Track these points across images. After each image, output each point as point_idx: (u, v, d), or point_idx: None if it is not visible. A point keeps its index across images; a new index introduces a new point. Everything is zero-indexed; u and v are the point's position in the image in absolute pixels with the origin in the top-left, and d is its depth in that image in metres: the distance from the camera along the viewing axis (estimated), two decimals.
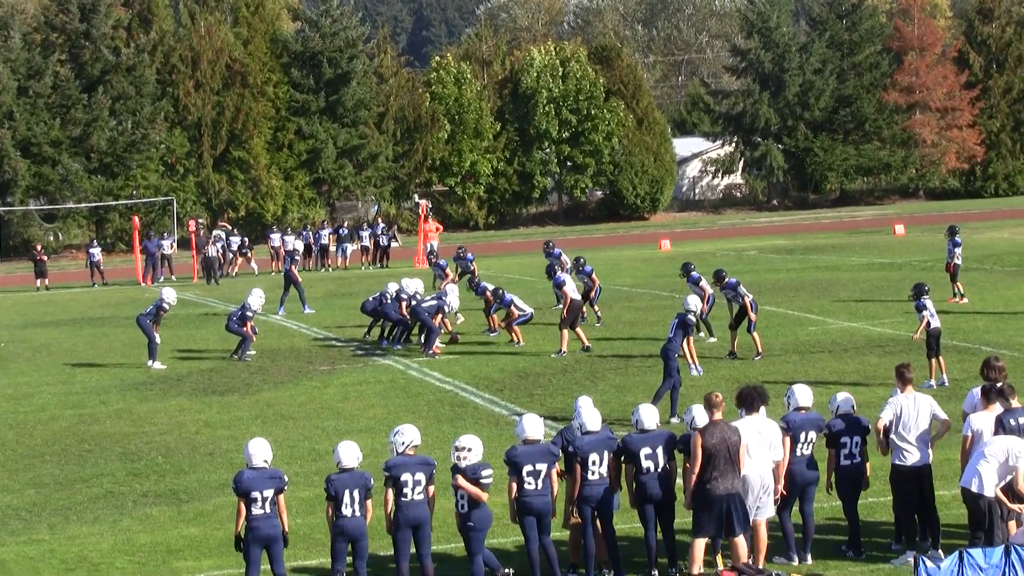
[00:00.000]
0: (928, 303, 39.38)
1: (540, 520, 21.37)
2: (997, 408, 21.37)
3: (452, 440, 22.30)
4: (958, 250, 52.89)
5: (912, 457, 22.03)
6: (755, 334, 42.27)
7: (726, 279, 43.88)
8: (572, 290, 46.02)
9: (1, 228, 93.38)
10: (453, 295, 46.80)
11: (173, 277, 78.26)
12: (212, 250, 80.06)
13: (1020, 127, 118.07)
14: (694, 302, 38.64)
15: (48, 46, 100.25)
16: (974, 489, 20.34)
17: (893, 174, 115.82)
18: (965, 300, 51.87)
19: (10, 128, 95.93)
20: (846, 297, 55.39)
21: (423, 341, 45.96)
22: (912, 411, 22.04)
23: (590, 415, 21.90)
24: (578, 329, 45.20)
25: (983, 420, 21.12)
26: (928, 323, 38.34)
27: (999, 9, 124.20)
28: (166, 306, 46.68)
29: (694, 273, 47.34)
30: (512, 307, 46.99)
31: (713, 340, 45.52)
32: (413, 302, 46.73)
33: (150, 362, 45.44)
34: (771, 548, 22.08)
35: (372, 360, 44.36)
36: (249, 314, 45.87)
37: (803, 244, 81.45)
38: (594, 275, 52.01)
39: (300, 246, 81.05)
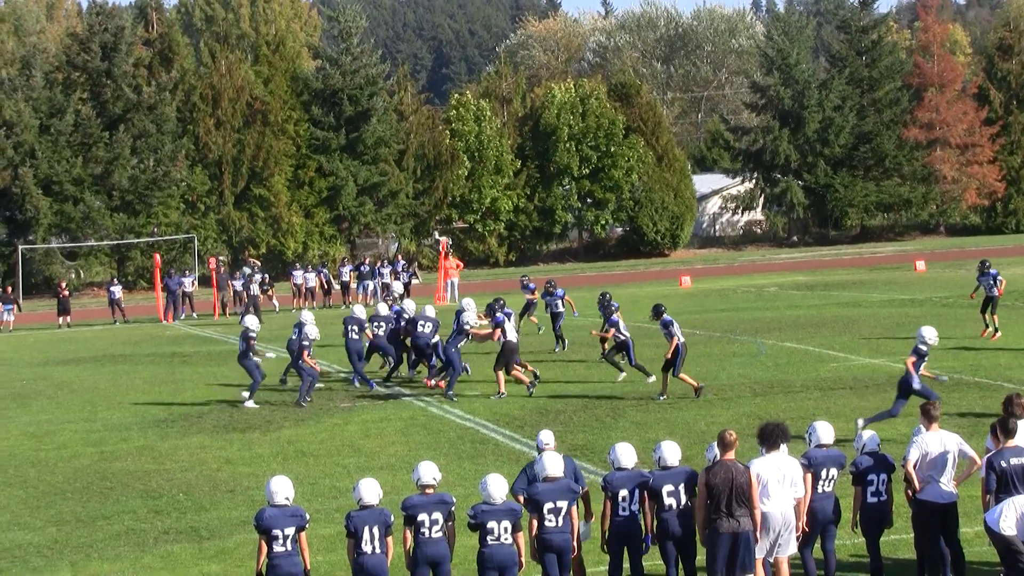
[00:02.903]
0: None
1: (560, 557, 21.42)
2: (1004, 442, 21.36)
3: (475, 477, 22.24)
4: (998, 280, 52.62)
5: (938, 494, 22.01)
6: (668, 374, 42.03)
7: (663, 315, 43.61)
8: (509, 331, 45.94)
9: (24, 266, 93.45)
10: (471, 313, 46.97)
11: (195, 315, 78.29)
12: (238, 285, 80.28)
13: None
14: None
15: (70, 85, 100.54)
16: (996, 529, 20.39)
17: (913, 210, 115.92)
18: (999, 335, 51.49)
19: (32, 166, 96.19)
20: (867, 334, 55.28)
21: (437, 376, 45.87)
22: (938, 448, 22.02)
23: (627, 454, 22.20)
24: (515, 371, 44.91)
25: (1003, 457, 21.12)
26: None
27: (1019, 45, 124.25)
28: (252, 335, 46.15)
29: (666, 316, 46.92)
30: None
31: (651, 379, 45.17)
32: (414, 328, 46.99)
33: (246, 397, 44.83)
34: None
35: (393, 398, 44.30)
36: (306, 343, 45.87)
37: (823, 280, 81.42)
38: (567, 297, 53.39)
39: (315, 283, 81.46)
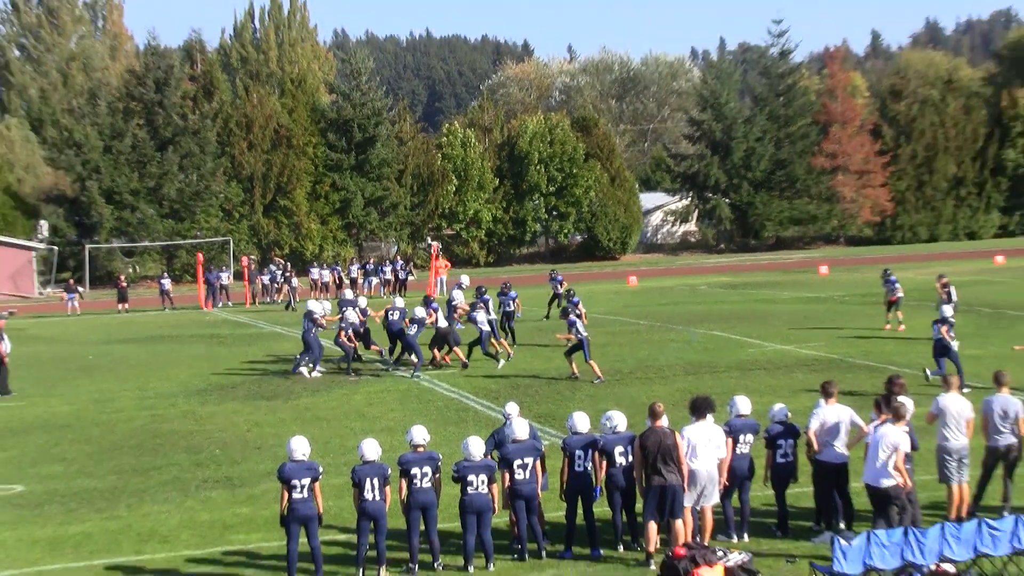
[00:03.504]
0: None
1: (528, 503, 21.83)
2: (897, 421, 21.70)
3: (458, 439, 22.43)
4: (898, 285, 52.81)
5: (833, 456, 22.35)
6: (592, 363, 42.24)
7: (569, 315, 43.94)
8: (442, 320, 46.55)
9: (90, 262, 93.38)
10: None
11: (230, 303, 78.30)
12: (266, 279, 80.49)
13: (922, 187, 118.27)
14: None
15: (128, 112, 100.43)
16: (874, 479, 20.93)
17: (819, 224, 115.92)
18: (903, 328, 51.44)
19: (97, 180, 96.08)
20: (779, 325, 55.40)
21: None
22: (834, 419, 22.39)
23: (582, 421, 22.82)
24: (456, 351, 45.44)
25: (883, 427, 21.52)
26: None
27: (907, 91, 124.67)
28: (316, 315, 46.00)
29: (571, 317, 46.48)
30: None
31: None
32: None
33: (307, 370, 45.00)
34: (715, 527, 22.35)
35: (392, 373, 44.43)
36: (344, 324, 45.94)
37: (744, 281, 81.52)
38: (517, 300, 52.72)
39: (329, 278, 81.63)
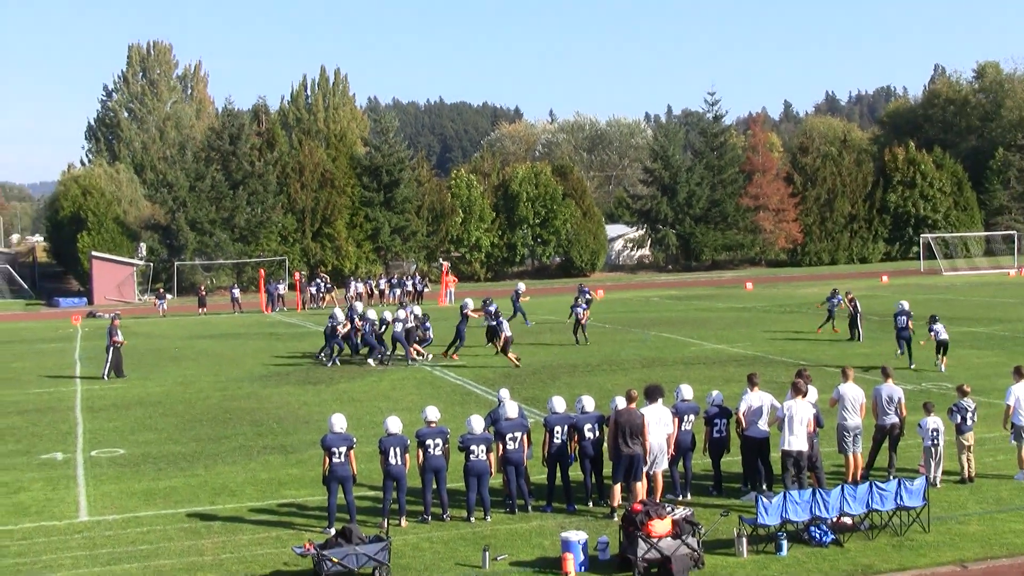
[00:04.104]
0: (937, 326, 40.35)
1: (517, 468, 21.90)
2: (802, 398, 22.16)
3: (462, 417, 22.40)
4: (838, 298, 52.15)
5: (757, 432, 22.25)
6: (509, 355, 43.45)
7: (495, 315, 45.89)
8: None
9: (177, 276, 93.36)
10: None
11: (285, 308, 78.23)
12: (313, 290, 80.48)
13: (824, 222, 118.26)
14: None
15: (209, 160, 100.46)
16: (786, 448, 21.15)
17: (745, 250, 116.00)
18: (838, 331, 51.01)
19: (184, 212, 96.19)
20: (715, 328, 55.31)
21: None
22: (758, 403, 22.39)
23: (559, 403, 22.87)
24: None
25: (791, 405, 21.77)
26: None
27: (812, 147, 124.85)
28: (338, 320, 46.16)
29: (491, 307, 47.80)
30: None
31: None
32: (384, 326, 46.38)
33: (371, 361, 44.80)
34: (664, 488, 22.21)
35: (410, 365, 44.24)
36: (355, 328, 45.76)
37: (687, 294, 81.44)
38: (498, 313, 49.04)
39: (363, 289, 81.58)
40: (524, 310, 60.34)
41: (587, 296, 58.93)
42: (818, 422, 22.49)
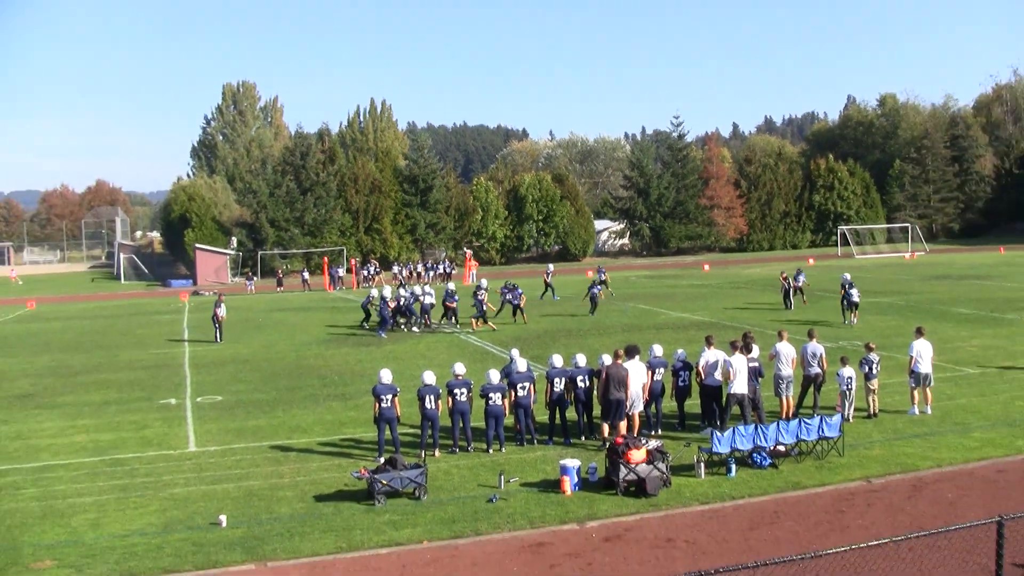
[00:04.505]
0: (852, 290, 42.26)
1: (526, 411, 22.09)
2: (742, 354, 22.42)
3: (483, 371, 22.49)
4: (802, 277, 50.91)
5: (712, 382, 22.29)
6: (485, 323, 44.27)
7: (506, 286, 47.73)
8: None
9: (260, 262, 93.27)
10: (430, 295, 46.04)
11: (344, 287, 77.99)
12: (366, 272, 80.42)
13: (765, 218, 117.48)
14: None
15: (284, 171, 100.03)
16: (734, 391, 21.19)
17: (703, 239, 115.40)
18: (806, 303, 50.13)
19: (265, 213, 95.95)
20: (680, 301, 55.19)
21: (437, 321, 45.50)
22: (714, 358, 22.45)
23: (558, 360, 23.10)
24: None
25: (738, 360, 21.74)
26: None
27: (754, 159, 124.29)
28: (374, 295, 46.78)
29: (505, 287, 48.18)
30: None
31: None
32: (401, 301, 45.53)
33: (380, 333, 43.43)
34: (640, 425, 22.26)
35: (441, 331, 44.20)
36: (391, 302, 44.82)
37: (658, 274, 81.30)
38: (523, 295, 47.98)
39: (405, 272, 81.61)
40: (554, 287, 60.11)
41: (602, 277, 58.54)
42: (759, 372, 22.65)
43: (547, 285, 59.52)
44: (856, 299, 42.22)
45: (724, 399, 22.70)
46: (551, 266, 65.12)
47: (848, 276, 45.12)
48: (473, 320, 45.17)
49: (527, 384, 22.16)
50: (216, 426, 25.35)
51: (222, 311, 44.18)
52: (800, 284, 50.82)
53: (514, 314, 46.84)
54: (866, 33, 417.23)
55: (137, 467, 21.39)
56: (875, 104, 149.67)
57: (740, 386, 22.16)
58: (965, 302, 48.83)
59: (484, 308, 45.04)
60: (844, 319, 42.45)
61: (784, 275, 50.93)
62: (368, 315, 46.87)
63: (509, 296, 47.02)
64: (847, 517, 16.61)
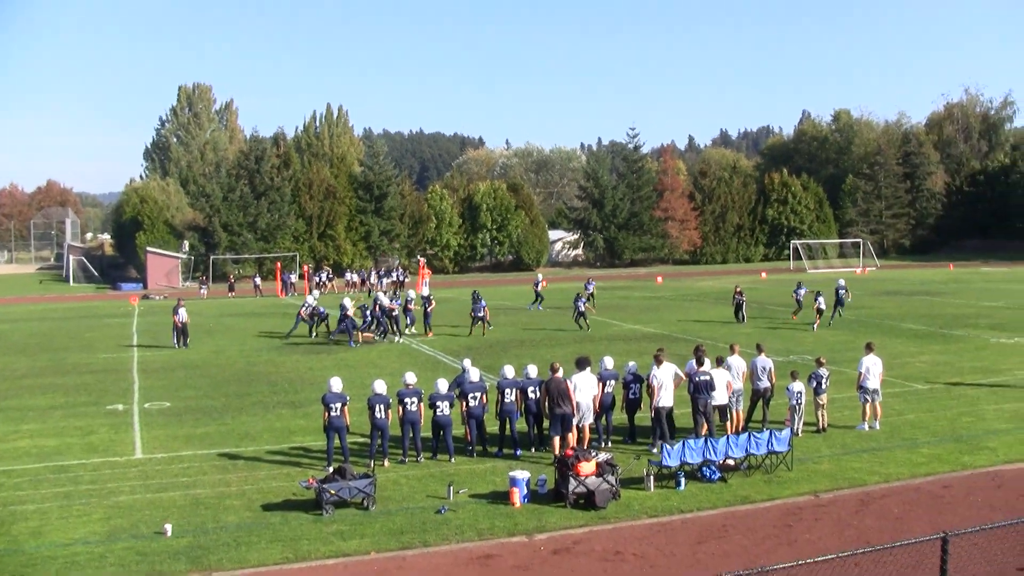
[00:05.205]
0: (820, 298, 46.72)
1: (478, 421, 22.35)
2: (696, 366, 22.57)
3: (432, 380, 22.44)
4: (800, 291, 50.77)
5: (663, 402, 22.29)
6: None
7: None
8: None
9: (213, 267, 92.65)
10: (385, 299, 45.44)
11: (296, 293, 77.53)
12: (318, 279, 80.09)
13: (718, 230, 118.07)
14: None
15: (239, 175, 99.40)
16: (660, 404, 21.13)
17: (657, 251, 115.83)
18: (795, 318, 49.51)
19: (218, 217, 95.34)
20: (633, 312, 55.42)
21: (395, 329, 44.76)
22: (660, 373, 22.40)
23: (509, 371, 23.01)
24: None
25: (663, 371, 21.86)
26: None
27: (710, 172, 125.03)
28: (309, 302, 46.70)
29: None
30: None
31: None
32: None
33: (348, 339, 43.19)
34: (591, 440, 22.27)
35: (392, 340, 44.01)
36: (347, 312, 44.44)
37: (611, 285, 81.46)
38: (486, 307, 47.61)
39: (358, 279, 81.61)
40: (542, 296, 59.86)
41: (589, 290, 58.40)
42: (711, 386, 22.74)
43: (537, 295, 59.47)
44: (823, 307, 46.63)
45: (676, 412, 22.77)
46: (541, 275, 65.08)
47: (843, 282, 50.51)
48: (426, 329, 45.59)
49: (479, 394, 22.16)
50: (163, 433, 25.12)
51: (181, 316, 43.71)
52: (801, 297, 50.96)
53: (474, 324, 46.93)
54: (822, 49, 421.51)
55: (81, 474, 21.12)
56: (829, 119, 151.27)
57: (666, 399, 22.31)
58: (914, 318, 49.36)
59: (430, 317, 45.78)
60: (832, 316, 47.53)
61: (738, 288, 51.23)
62: (309, 325, 46.44)
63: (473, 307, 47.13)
64: (795, 531, 16.70)
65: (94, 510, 18.45)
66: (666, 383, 22.31)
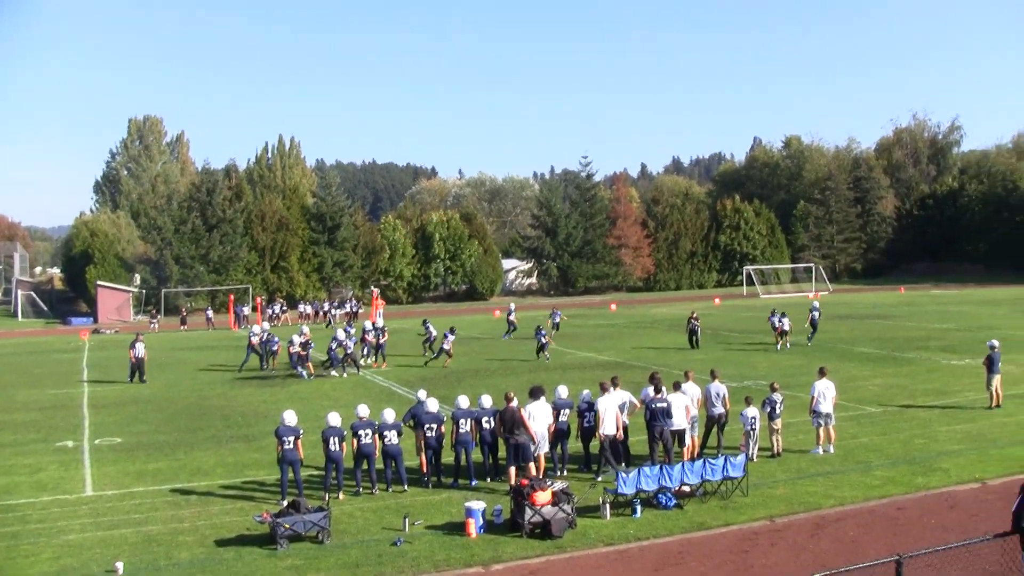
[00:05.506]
0: (784, 319, 48.60)
1: (436, 452, 22.18)
2: (652, 393, 22.88)
3: (380, 411, 22.38)
4: (785, 320, 49.03)
5: (607, 428, 22.33)
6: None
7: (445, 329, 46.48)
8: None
9: (164, 300, 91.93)
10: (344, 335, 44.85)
11: (249, 326, 76.80)
12: (271, 311, 79.68)
13: (671, 257, 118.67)
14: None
15: (190, 207, 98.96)
16: (605, 432, 21.24)
17: (610, 278, 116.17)
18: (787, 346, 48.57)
19: (170, 249, 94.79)
20: (587, 340, 55.50)
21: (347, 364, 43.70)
22: (603, 401, 22.53)
23: (463, 401, 22.99)
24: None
25: (606, 400, 22.39)
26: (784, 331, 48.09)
27: (662, 199, 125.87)
28: (257, 330, 46.88)
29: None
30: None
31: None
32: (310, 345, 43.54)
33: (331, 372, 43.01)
34: (546, 469, 22.24)
35: (346, 372, 43.77)
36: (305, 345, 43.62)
37: (566, 313, 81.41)
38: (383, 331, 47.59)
39: (311, 311, 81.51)
40: (516, 325, 59.46)
41: (556, 320, 58.43)
42: (668, 413, 22.81)
43: (510, 324, 59.28)
44: (787, 328, 48.54)
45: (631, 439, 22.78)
46: (513, 304, 64.93)
47: (817, 303, 53.11)
48: (375, 360, 45.52)
49: (435, 425, 22.11)
50: (115, 469, 24.84)
51: (138, 351, 43.22)
52: (786, 327, 49.05)
53: (427, 353, 47.02)
54: (772, 75, 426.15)
55: (30, 513, 20.80)
56: (780, 145, 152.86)
57: (610, 427, 22.37)
58: (867, 341, 49.79)
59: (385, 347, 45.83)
60: (811, 338, 49.62)
61: (694, 314, 51.46)
62: (260, 356, 46.15)
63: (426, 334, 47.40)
64: (751, 557, 16.74)
65: (43, 550, 18.18)
66: (609, 410, 22.38)
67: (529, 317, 70.27)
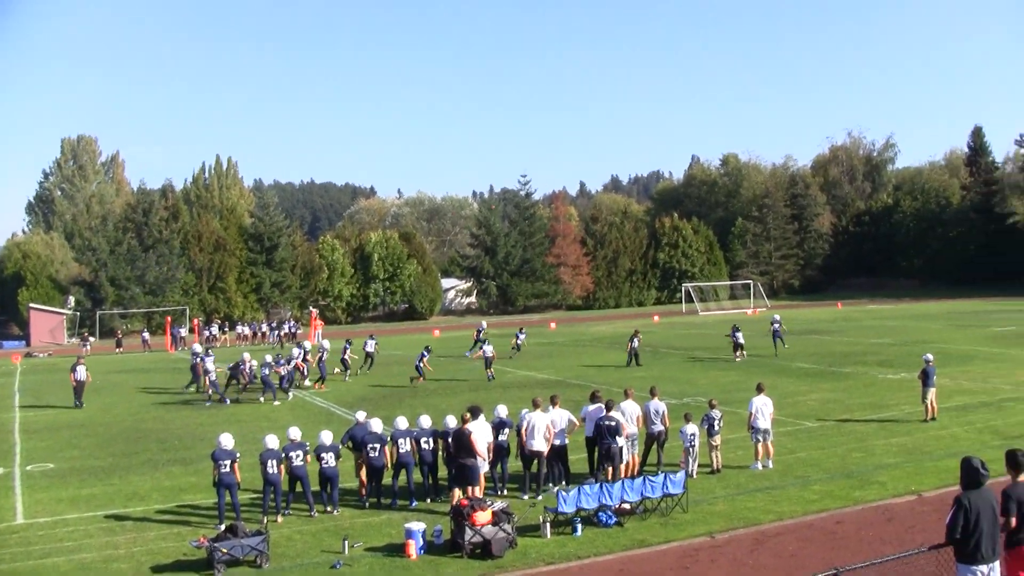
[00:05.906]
0: (738, 333, 50.33)
1: (377, 473, 22.10)
2: (592, 409, 22.87)
3: (317, 432, 22.24)
4: (739, 334, 50.77)
5: (536, 444, 22.39)
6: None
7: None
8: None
9: (100, 322, 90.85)
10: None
11: (186, 348, 76.30)
12: (209, 333, 78.96)
13: (611, 275, 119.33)
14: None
15: (126, 228, 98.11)
16: (534, 448, 21.23)
17: (550, 297, 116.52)
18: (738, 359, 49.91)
19: (105, 271, 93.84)
20: (527, 359, 55.46)
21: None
22: (533, 417, 22.54)
23: (402, 422, 22.94)
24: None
25: (537, 417, 22.95)
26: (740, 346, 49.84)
27: (601, 218, 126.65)
28: (197, 349, 46.31)
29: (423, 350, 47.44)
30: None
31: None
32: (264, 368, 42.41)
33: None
34: (486, 488, 22.21)
35: (286, 394, 43.40)
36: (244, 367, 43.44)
37: (506, 332, 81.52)
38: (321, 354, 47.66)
39: (249, 332, 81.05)
40: (484, 342, 58.73)
41: (520, 340, 57.78)
42: (616, 431, 22.84)
43: (477, 342, 58.69)
44: (741, 341, 50.36)
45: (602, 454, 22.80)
46: (484, 323, 64.69)
47: (778, 316, 55.16)
48: (316, 383, 45.20)
49: (379, 445, 22.04)
50: (47, 495, 24.43)
51: (79, 375, 42.64)
52: (740, 341, 50.74)
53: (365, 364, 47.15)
54: (710, 94, 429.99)
55: None
56: (718, 164, 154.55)
57: (539, 443, 22.50)
58: (805, 357, 50.27)
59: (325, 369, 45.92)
60: (775, 351, 51.15)
61: (637, 332, 51.72)
62: (196, 377, 45.65)
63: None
64: (692, 573, 16.79)
65: None
66: (538, 426, 22.49)
67: (464, 337, 70.37)
